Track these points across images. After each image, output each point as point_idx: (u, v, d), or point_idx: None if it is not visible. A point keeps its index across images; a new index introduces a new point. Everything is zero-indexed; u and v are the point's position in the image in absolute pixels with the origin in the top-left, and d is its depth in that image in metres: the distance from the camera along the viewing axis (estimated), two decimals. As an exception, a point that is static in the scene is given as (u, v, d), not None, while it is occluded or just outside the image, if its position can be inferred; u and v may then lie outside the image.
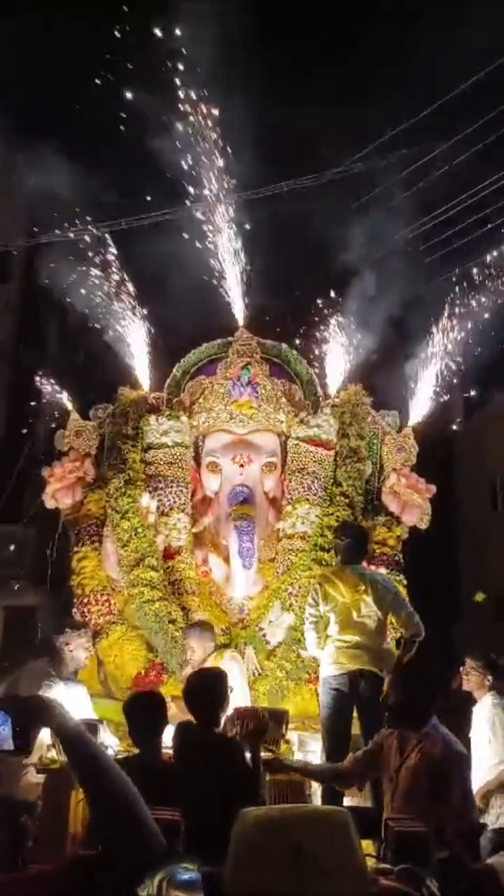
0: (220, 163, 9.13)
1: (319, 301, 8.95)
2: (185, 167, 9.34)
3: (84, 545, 7.54)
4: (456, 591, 18.42)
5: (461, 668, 5.85)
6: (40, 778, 4.66)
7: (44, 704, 1.96)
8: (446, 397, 8.38)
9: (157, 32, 9.48)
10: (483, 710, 5.53)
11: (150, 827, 1.81)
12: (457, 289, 9.18)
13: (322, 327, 8.67)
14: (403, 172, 11.77)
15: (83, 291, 9.17)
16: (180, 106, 9.29)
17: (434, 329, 8.64)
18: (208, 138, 9.19)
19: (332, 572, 5.99)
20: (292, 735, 5.66)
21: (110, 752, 4.72)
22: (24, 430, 13.06)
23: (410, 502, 7.55)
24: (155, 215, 11.84)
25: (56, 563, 8.16)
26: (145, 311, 8.84)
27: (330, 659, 5.57)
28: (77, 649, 5.82)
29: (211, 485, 7.78)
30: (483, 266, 10.40)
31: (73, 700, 5.31)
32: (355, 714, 5.45)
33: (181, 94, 9.36)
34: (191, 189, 9.47)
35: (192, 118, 9.28)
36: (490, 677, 5.61)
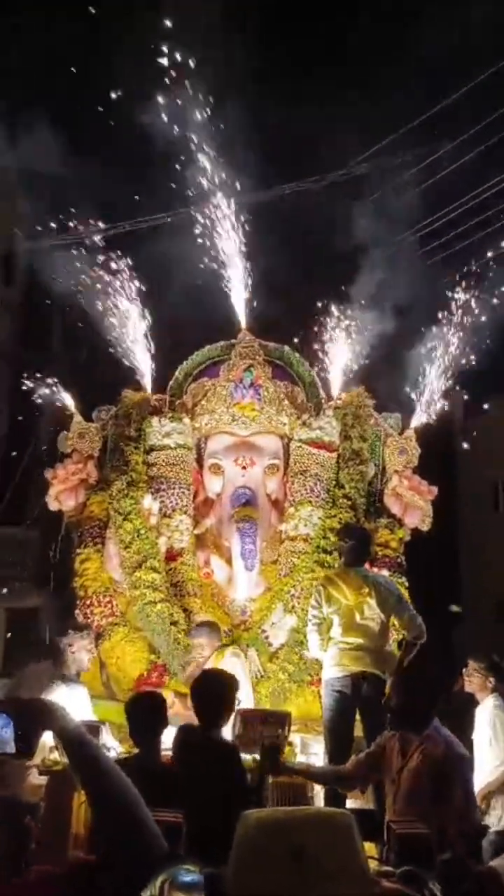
0: (223, 164, 9.14)
1: (322, 303, 8.94)
2: (188, 169, 9.36)
3: (87, 547, 7.55)
4: (457, 593, 18.40)
5: (463, 670, 5.86)
6: (43, 780, 4.67)
7: (46, 707, 1.97)
8: (448, 399, 8.37)
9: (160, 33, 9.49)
10: (485, 712, 5.54)
11: (151, 829, 1.81)
12: (459, 291, 9.17)
13: (324, 329, 8.67)
14: (407, 174, 11.78)
15: (86, 293, 9.17)
16: (181, 103, 9.33)
17: (436, 331, 8.64)
18: (212, 140, 9.22)
19: (335, 574, 5.99)
20: (295, 737, 5.66)
21: (112, 753, 4.74)
22: (27, 433, 13.09)
23: (412, 504, 7.56)
24: (158, 217, 11.86)
25: (59, 565, 8.17)
26: (148, 313, 8.84)
27: (332, 661, 5.57)
28: (79, 651, 5.83)
29: (213, 486, 7.79)
30: (486, 267, 10.42)
31: (74, 702, 5.32)
32: (358, 716, 5.45)
33: (185, 94, 9.39)
34: (193, 190, 9.49)
35: (195, 120, 9.31)
36: (492, 679, 5.62)
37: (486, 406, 17.47)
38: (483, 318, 8.98)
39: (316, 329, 8.80)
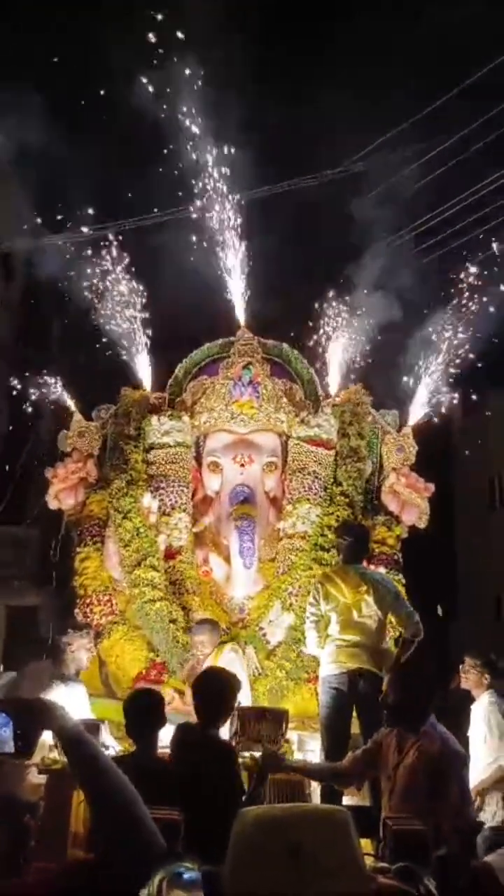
0: (221, 162, 9.15)
1: (320, 300, 8.95)
2: (187, 167, 9.37)
3: (86, 545, 7.57)
4: (454, 590, 18.45)
5: (460, 667, 5.88)
6: (42, 778, 4.69)
7: (45, 706, 1.98)
8: (446, 397, 8.39)
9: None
10: (480, 709, 5.57)
11: (149, 827, 1.83)
12: (457, 288, 9.18)
13: (323, 327, 8.69)
14: (405, 170, 11.78)
15: (85, 291, 9.19)
16: (182, 102, 9.33)
17: (434, 329, 8.65)
18: (211, 136, 9.23)
19: (333, 572, 6.01)
20: (292, 734, 5.68)
21: (111, 752, 4.76)
22: (27, 431, 13.11)
23: (410, 501, 7.58)
24: (157, 215, 11.86)
25: (58, 564, 8.19)
26: (147, 311, 8.86)
27: (330, 658, 5.59)
28: (79, 650, 5.85)
29: (212, 484, 7.81)
30: (483, 264, 10.42)
31: (73, 700, 5.34)
32: (354, 713, 5.47)
33: (184, 93, 9.40)
34: (192, 188, 9.49)
35: (195, 118, 9.32)
36: (488, 676, 5.65)
37: (483, 404, 17.47)
38: (481, 316, 8.99)
39: (314, 326, 8.82)
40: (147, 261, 9.94)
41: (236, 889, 1.71)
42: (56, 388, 8.63)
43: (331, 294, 8.91)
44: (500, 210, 11.41)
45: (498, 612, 18.12)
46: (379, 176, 11.72)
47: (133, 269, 9.15)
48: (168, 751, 4.22)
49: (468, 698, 5.74)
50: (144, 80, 9.58)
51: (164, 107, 9.48)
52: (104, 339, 8.72)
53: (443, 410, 8.39)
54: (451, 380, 8.39)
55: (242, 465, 7.67)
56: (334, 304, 8.77)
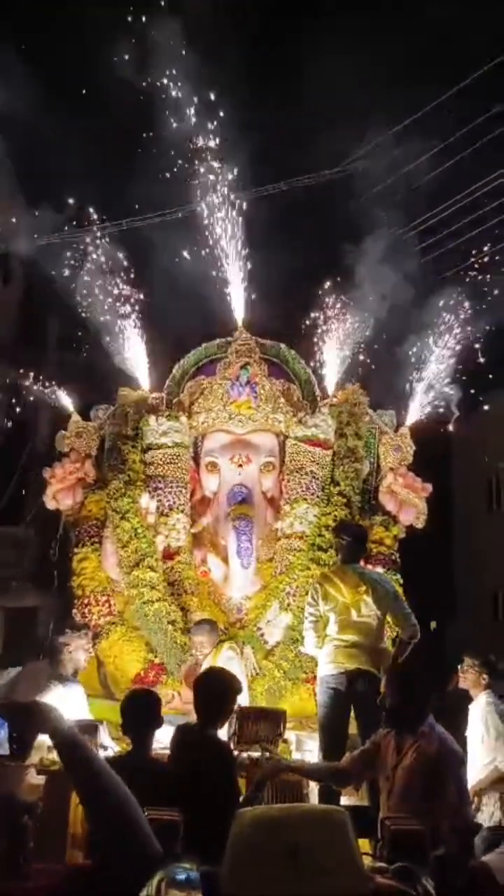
0: (220, 161, 9.16)
1: (318, 300, 8.96)
2: (186, 166, 9.37)
3: (84, 546, 7.57)
4: (451, 590, 18.47)
5: (459, 667, 5.88)
6: (41, 779, 4.69)
7: (39, 709, 1.99)
8: (443, 397, 8.39)
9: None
10: (477, 709, 5.57)
11: (143, 829, 1.83)
12: (456, 288, 9.20)
13: (320, 327, 8.70)
14: (405, 170, 11.78)
15: (83, 292, 9.19)
16: (181, 99, 9.34)
17: (432, 329, 8.66)
18: (208, 137, 9.23)
19: (332, 572, 5.99)
20: (290, 734, 5.68)
21: (110, 752, 4.76)
22: (25, 432, 13.10)
23: (407, 501, 7.58)
24: (156, 215, 11.86)
25: (56, 564, 8.19)
26: (145, 311, 8.87)
27: (328, 658, 5.59)
28: (76, 650, 5.84)
29: (210, 485, 7.82)
30: (482, 264, 10.44)
31: (70, 701, 5.34)
32: (352, 713, 5.47)
33: (182, 93, 9.41)
34: (191, 187, 9.50)
35: (193, 117, 9.33)
36: (486, 676, 5.64)
37: (481, 404, 17.47)
38: (479, 316, 9.00)
39: (312, 326, 8.83)
40: (145, 261, 9.95)
41: (235, 889, 1.72)
42: (54, 389, 8.63)
43: (329, 294, 8.92)
44: (500, 210, 11.42)
45: (496, 612, 18.14)
46: (378, 175, 11.73)
47: (131, 269, 9.16)
48: (165, 751, 4.23)
49: (466, 698, 5.74)
50: (147, 80, 9.59)
51: (164, 104, 9.49)
52: (102, 340, 8.72)
53: (440, 410, 8.39)
54: (449, 380, 8.39)
55: (240, 466, 7.67)
56: (332, 304, 8.78)
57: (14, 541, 13.73)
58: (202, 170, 9.10)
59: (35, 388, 8.81)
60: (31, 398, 8.98)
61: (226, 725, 4.45)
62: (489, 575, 17.86)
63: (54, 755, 4.40)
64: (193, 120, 9.30)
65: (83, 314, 9.10)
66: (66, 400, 8.48)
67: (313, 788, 5.08)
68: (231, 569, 7.36)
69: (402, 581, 7.12)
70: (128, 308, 8.81)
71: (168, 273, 9.70)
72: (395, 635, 5.93)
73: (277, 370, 8.20)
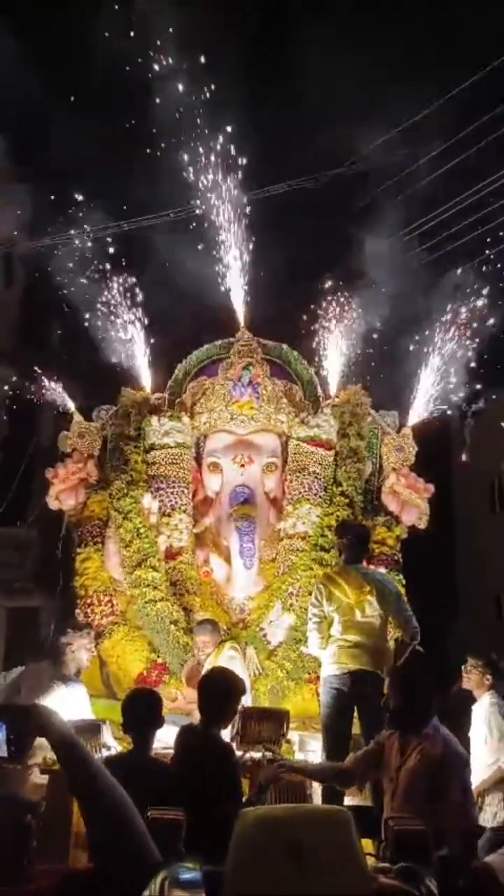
0: (222, 161, 9.17)
1: (320, 301, 8.96)
2: (187, 166, 9.38)
3: (87, 546, 7.58)
4: (454, 590, 18.44)
5: (463, 668, 5.87)
6: (44, 778, 4.70)
7: (38, 712, 1.99)
8: (446, 397, 8.39)
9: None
10: (481, 710, 5.57)
11: (141, 833, 1.83)
12: (457, 289, 9.19)
13: (323, 327, 8.69)
14: (405, 171, 11.76)
15: (86, 293, 9.20)
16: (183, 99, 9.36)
17: (434, 329, 8.65)
18: (210, 137, 9.24)
19: (335, 573, 5.96)
20: (293, 735, 5.68)
21: (112, 752, 4.76)
22: (27, 432, 13.11)
23: (409, 502, 7.59)
24: (157, 216, 11.85)
25: (59, 565, 8.19)
26: (147, 312, 8.87)
27: (331, 658, 5.57)
28: (79, 650, 5.85)
29: (212, 485, 7.82)
30: (486, 263, 10.43)
31: (73, 701, 5.35)
32: (356, 714, 5.47)
33: (186, 91, 9.42)
34: (193, 187, 9.50)
35: (197, 116, 9.34)
36: (489, 677, 5.64)
37: (483, 404, 17.45)
38: (481, 316, 8.99)
39: (314, 327, 8.83)
40: (147, 261, 9.96)
41: (238, 888, 1.72)
42: (56, 389, 8.64)
43: (331, 294, 8.92)
44: (502, 210, 11.40)
45: (499, 612, 18.11)
46: (380, 174, 11.72)
47: (133, 270, 9.17)
48: (167, 750, 4.23)
49: (469, 699, 5.74)
50: (149, 76, 9.61)
51: (168, 108, 9.50)
52: (104, 340, 8.72)
53: (443, 409, 8.39)
54: (451, 380, 8.39)
55: (242, 466, 7.68)
56: (334, 304, 8.78)
57: (17, 541, 13.73)
58: (206, 170, 9.10)
59: (37, 388, 8.81)
60: (34, 398, 8.98)
61: (229, 726, 4.45)
62: (491, 575, 17.83)
63: (57, 755, 4.41)
64: (197, 119, 9.30)
65: (85, 314, 9.11)
66: (68, 400, 8.48)
67: (316, 789, 5.07)
68: (233, 569, 7.36)
69: (404, 581, 7.12)
70: (130, 308, 8.81)
71: (170, 273, 9.70)
72: (398, 637, 5.91)
73: (280, 371, 8.20)
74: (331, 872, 1.74)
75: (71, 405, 8.40)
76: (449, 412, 8.42)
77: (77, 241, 11.05)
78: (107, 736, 4.96)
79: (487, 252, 10.66)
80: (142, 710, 4.10)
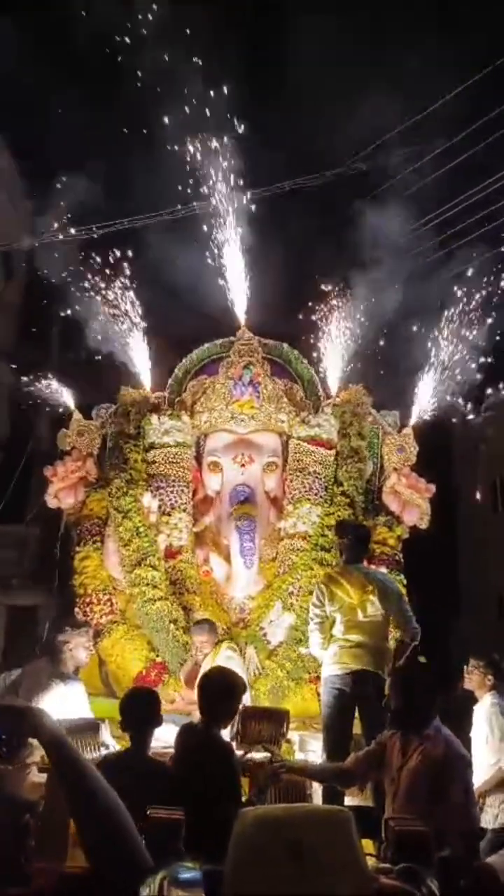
0: (223, 160, 9.16)
1: (321, 300, 8.95)
2: (189, 165, 9.37)
3: (86, 545, 7.57)
4: (456, 591, 18.45)
5: (465, 668, 5.85)
6: (43, 777, 4.67)
7: (28, 712, 1.96)
8: (447, 397, 8.38)
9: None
10: (482, 710, 5.55)
11: (133, 837, 1.81)
12: (459, 288, 9.18)
13: (323, 327, 8.69)
14: (407, 170, 11.76)
15: (85, 291, 9.19)
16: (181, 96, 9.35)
17: (436, 329, 8.64)
18: (211, 138, 9.23)
19: (337, 573, 5.93)
20: (293, 735, 5.66)
21: (112, 750, 4.74)
22: (27, 430, 13.11)
23: (411, 502, 7.58)
24: (159, 214, 11.84)
25: (58, 563, 8.18)
26: (148, 311, 8.86)
27: (333, 658, 5.56)
28: (77, 648, 5.82)
29: (212, 484, 7.81)
30: (487, 263, 10.42)
31: (71, 699, 5.33)
32: (357, 714, 5.45)
33: (187, 91, 9.41)
34: (194, 187, 9.50)
35: (196, 116, 9.33)
36: (491, 677, 5.62)
37: (485, 403, 17.46)
38: (483, 316, 8.98)
39: (315, 326, 8.82)
40: (147, 260, 9.94)
41: (237, 889, 1.70)
42: (56, 387, 8.63)
43: (332, 294, 8.91)
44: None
45: (500, 612, 18.12)
46: (383, 173, 11.71)
47: (133, 269, 9.16)
48: (167, 749, 4.21)
49: (471, 700, 5.72)
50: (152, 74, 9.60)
51: (167, 105, 9.49)
52: (104, 338, 8.71)
53: (444, 409, 8.38)
54: (453, 380, 8.38)
55: (243, 465, 7.67)
56: (336, 304, 8.77)
57: (16, 539, 13.72)
58: (207, 170, 9.10)
59: (37, 386, 8.80)
60: (34, 397, 8.97)
61: (230, 725, 4.44)
62: (493, 575, 17.84)
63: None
64: (197, 117, 9.30)
65: (85, 313, 9.10)
66: (68, 398, 8.48)
67: (317, 789, 5.06)
68: (233, 568, 7.35)
69: (405, 582, 7.11)
70: (130, 307, 8.80)
71: (171, 272, 9.70)
72: (399, 638, 5.89)
73: (280, 370, 8.20)
74: (331, 873, 1.73)
75: (70, 403, 8.39)
76: (454, 419, 8.39)
77: (77, 239, 11.04)
78: (105, 734, 4.94)
79: (492, 250, 10.65)
80: (140, 709, 4.09)
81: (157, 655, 6.99)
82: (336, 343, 8.47)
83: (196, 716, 4.27)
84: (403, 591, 6.42)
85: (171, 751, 4.15)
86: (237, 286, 8.47)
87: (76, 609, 7.25)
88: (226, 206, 8.85)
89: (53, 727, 1.92)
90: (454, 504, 18.04)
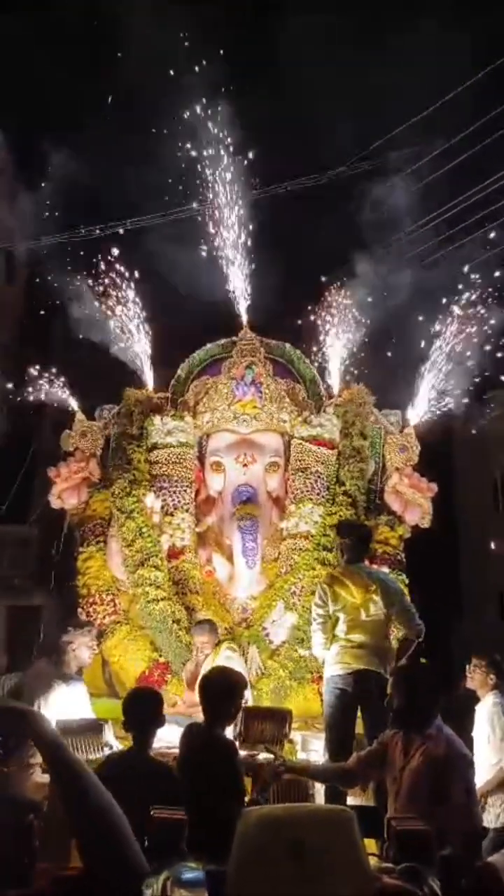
0: (225, 160, 9.17)
1: (323, 300, 8.95)
2: (191, 165, 9.38)
3: (89, 545, 7.58)
4: (457, 590, 18.44)
5: (467, 667, 5.85)
6: (46, 778, 4.68)
7: (24, 713, 1.97)
8: (449, 396, 8.37)
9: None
10: (484, 710, 5.55)
11: (128, 840, 1.81)
12: (461, 287, 9.18)
13: (325, 326, 8.69)
14: (409, 169, 11.77)
15: (88, 292, 9.19)
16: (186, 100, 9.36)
17: (438, 328, 8.64)
18: (213, 137, 9.24)
19: (339, 573, 5.90)
20: (295, 735, 5.67)
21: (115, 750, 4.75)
22: (30, 431, 13.13)
23: (413, 501, 7.57)
24: (161, 214, 11.86)
25: (61, 564, 8.19)
26: (150, 311, 8.86)
27: (335, 658, 5.55)
28: (80, 648, 5.82)
29: (215, 484, 7.82)
30: (489, 262, 10.42)
31: (73, 699, 5.33)
32: (359, 713, 5.45)
33: (188, 90, 9.42)
34: (196, 187, 9.51)
35: (197, 116, 9.33)
36: (493, 676, 5.62)
37: (487, 403, 17.43)
38: (484, 314, 8.98)
39: (317, 326, 8.82)
40: (150, 260, 9.95)
41: (239, 889, 1.71)
42: (59, 388, 8.64)
43: (334, 294, 8.91)
44: (504, 210, 11.39)
45: (502, 611, 18.12)
46: (386, 173, 11.72)
47: (136, 269, 9.16)
48: (171, 750, 4.22)
49: (473, 699, 5.72)
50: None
51: (170, 108, 9.50)
52: (107, 339, 8.72)
53: (446, 409, 8.38)
54: (455, 379, 8.37)
55: (245, 465, 7.67)
56: (337, 303, 8.76)
57: (19, 540, 13.74)
58: (210, 169, 9.10)
59: (40, 387, 8.81)
60: (36, 397, 8.97)
61: (232, 725, 4.45)
62: (495, 574, 17.84)
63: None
64: (200, 117, 9.30)
65: (88, 314, 9.11)
66: (71, 399, 8.48)
67: (319, 788, 5.06)
68: (236, 568, 7.36)
69: (407, 581, 7.11)
70: (132, 307, 8.81)
71: (173, 272, 9.70)
72: (403, 637, 5.87)
73: (282, 370, 8.19)
74: (333, 872, 1.73)
75: (73, 404, 8.40)
76: (455, 418, 8.40)
77: (80, 239, 11.05)
78: (108, 735, 4.95)
79: (494, 248, 10.65)
80: (143, 709, 4.10)
81: (161, 656, 7.00)
82: (338, 343, 8.47)
83: (197, 718, 4.28)
84: (405, 590, 6.42)
85: (175, 751, 4.15)
86: (239, 286, 8.47)
87: (79, 609, 7.26)
88: (229, 205, 8.86)
89: (51, 730, 1.92)
90: (455, 503, 18.02)
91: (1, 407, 13.86)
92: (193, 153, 9.32)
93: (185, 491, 7.64)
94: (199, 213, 9.35)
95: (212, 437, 7.93)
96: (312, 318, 8.94)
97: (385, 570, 6.83)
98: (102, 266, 9.14)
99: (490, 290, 9.25)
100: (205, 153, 9.17)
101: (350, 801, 4.69)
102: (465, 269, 9.38)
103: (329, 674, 5.58)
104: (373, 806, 4.45)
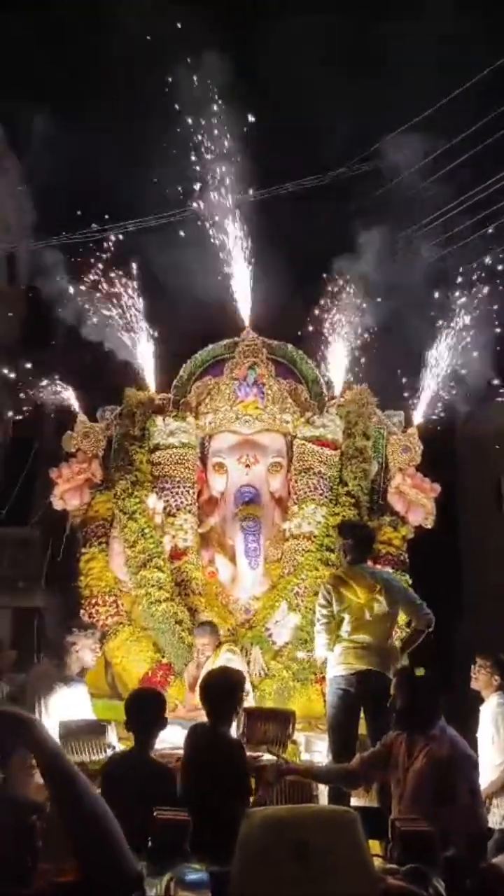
0: (226, 161, 9.17)
1: (325, 301, 8.94)
2: (193, 165, 9.39)
3: (91, 546, 7.58)
4: (460, 590, 18.40)
5: (472, 668, 5.83)
6: (49, 779, 4.68)
7: (18, 719, 1.96)
8: (452, 397, 8.37)
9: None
10: (488, 710, 5.53)
11: (121, 846, 1.80)
12: (463, 287, 9.18)
13: (328, 327, 8.68)
14: (411, 169, 11.76)
15: (90, 292, 9.20)
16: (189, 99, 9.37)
17: (440, 328, 8.63)
18: (215, 138, 9.24)
19: (343, 573, 5.86)
20: (299, 735, 5.66)
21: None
22: (32, 432, 13.12)
23: (416, 502, 7.56)
24: (162, 215, 11.86)
25: (63, 565, 8.19)
26: (152, 312, 8.87)
27: (338, 659, 5.53)
28: (83, 649, 5.81)
29: (217, 485, 7.81)
30: (489, 263, 10.41)
31: (74, 700, 5.33)
32: (362, 714, 5.44)
33: (189, 89, 9.43)
34: (198, 187, 9.51)
35: (200, 116, 9.34)
36: (497, 677, 5.60)
37: (489, 403, 17.40)
38: (488, 315, 8.97)
39: (319, 327, 8.81)
40: (152, 261, 9.95)
41: (243, 889, 1.70)
42: (61, 389, 8.64)
43: (336, 294, 8.90)
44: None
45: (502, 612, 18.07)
46: (386, 173, 11.72)
47: (138, 270, 9.17)
48: (174, 751, 4.21)
49: (477, 700, 5.70)
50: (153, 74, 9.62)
51: (173, 106, 9.51)
52: (109, 340, 8.72)
53: (449, 409, 8.37)
54: (457, 379, 8.37)
55: (248, 466, 7.67)
56: (339, 303, 8.76)
57: (21, 541, 13.72)
58: (211, 170, 9.11)
59: (42, 388, 8.82)
60: (38, 398, 8.98)
61: (236, 724, 4.45)
62: (497, 574, 17.79)
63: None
64: (201, 119, 9.31)
65: (90, 315, 9.11)
66: (73, 400, 8.49)
67: (323, 789, 5.04)
68: (239, 569, 7.35)
69: (410, 581, 7.08)
70: (135, 308, 8.81)
71: (175, 273, 9.70)
72: (413, 626, 5.83)
73: (285, 370, 8.19)
74: (337, 873, 1.73)
75: (75, 405, 8.41)
76: (458, 418, 8.39)
77: (83, 240, 11.06)
78: (111, 736, 4.94)
79: (496, 248, 10.64)
80: (145, 711, 4.09)
81: (163, 657, 7.00)
82: (340, 343, 8.47)
83: (199, 720, 4.27)
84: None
85: (178, 752, 4.14)
86: (241, 287, 8.47)
87: (82, 611, 7.26)
88: (231, 206, 8.87)
89: (46, 735, 1.91)
90: (457, 503, 17.98)
91: (3, 415, 13.87)
92: (194, 154, 9.31)
93: (187, 492, 7.63)
94: (202, 214, 9.33)
95: (214, 437, 7.93)
96: (315, 318, 8.95)
97: (388, 570, 6.81)
98: (104, 267, 9.15)
99: (494, 289, 9.25)
100: (206, 155, 9.16)
101: (354, 802, 4.69)
102: (469, 269, 9.35)
103: (332, 674, 5.56)
104: (376, 807, 4.44)
